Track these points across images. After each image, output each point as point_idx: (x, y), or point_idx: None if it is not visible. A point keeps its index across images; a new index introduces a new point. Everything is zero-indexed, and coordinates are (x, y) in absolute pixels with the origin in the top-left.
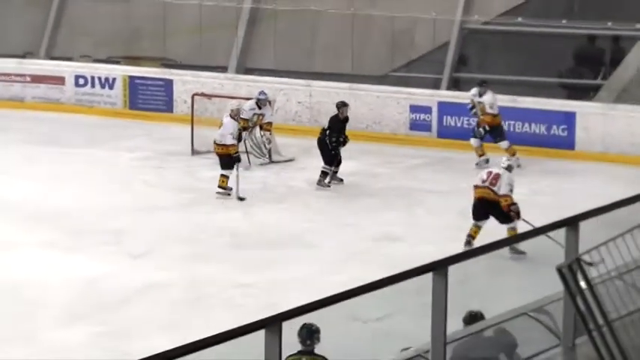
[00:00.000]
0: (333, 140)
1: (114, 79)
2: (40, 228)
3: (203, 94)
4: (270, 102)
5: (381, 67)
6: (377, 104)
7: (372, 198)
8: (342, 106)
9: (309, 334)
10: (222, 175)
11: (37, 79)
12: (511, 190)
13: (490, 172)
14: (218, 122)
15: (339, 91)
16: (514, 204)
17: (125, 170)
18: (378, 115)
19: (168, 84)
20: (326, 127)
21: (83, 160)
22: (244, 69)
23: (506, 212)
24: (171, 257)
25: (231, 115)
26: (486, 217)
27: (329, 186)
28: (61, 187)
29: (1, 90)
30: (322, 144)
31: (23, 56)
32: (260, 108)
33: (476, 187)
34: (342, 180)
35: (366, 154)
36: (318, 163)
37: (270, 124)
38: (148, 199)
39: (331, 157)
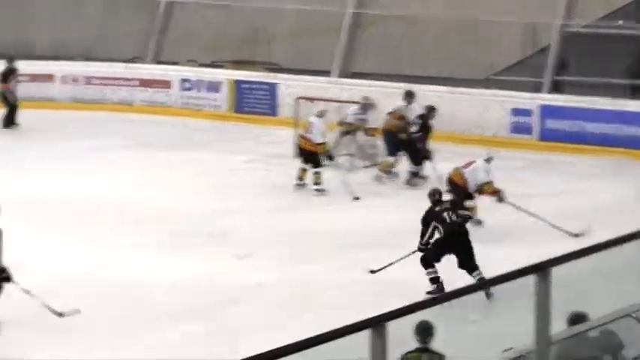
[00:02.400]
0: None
1: (219, 83)
2: (147, 230)
3: (307, 98)
4: (373, 106)
5: (482, 70)
6: (478, 107)
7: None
8: (431, 110)
9: (427, 330)
10: (316, 173)
11: (145, 83)
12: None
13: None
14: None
15: (441, 94)
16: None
17: (230, 173)
18: (480, 118)
19: (272, 88)
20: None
21: (189, 163)
22: (347, 73)
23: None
24: (276, 258)
25: (318, 115)
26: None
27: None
28: (168, 190)
29: (110, 94)
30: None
31: (131, 61)
32: (364, 113)
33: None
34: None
35: (467, 156)
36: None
37: (375, 129)
38: (253, 201)
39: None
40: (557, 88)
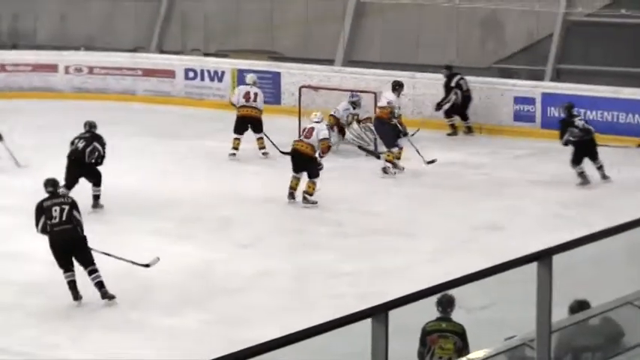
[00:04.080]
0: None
1: (223, 73)
2: (150, 217)
3: (310, 87)
4: (360, 103)
5: (484, 59)
6: (481, 96)
7: (476, 188)
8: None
9: (449, 302)
10: (260, 139)
11: (148, 72)
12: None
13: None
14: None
15: (443, 82)
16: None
17: (234, 161)
18: (483, 107)
19: (275, 76)
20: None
21: (193, 151)
22: (350, 61)
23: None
24: (278, 246)
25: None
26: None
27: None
28: (171, 178)
29: (113, 83)
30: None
31: (134, 50)
32: (354, 109)
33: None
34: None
35: (470, 144)
36: (422, 155)
37: (368, 118)
38: (256, 190)
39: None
40: (559, 76)
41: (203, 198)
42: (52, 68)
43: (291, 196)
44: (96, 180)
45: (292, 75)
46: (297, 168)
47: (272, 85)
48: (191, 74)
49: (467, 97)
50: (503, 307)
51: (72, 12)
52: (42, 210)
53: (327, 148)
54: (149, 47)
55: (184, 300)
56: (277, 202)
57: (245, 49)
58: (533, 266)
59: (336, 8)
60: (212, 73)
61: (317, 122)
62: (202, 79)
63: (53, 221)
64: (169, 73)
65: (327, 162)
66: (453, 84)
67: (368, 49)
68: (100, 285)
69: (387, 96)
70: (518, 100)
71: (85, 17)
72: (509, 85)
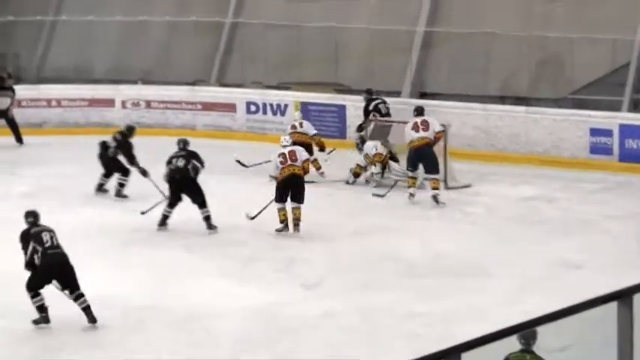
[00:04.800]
0: None
1: (286, 106)
2: (215, 256)
3: (377, 120)
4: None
5: (558, 89)
6: (555, 128)
7: (551, 224)
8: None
9: (532, 335)
10: (315, 160)
11: (208, 106)
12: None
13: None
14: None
15: (515, 114)
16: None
17: None
18: (557, 139)
19: (341, 109)
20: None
21: (256, 188)
22: (418, 93)
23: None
24: (346, 286)
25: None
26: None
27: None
28: (235, 216)
29: (172, 118)
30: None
31: (194, 84)
32: (362, 148)
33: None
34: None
35: (544, 178)
36: (495, 189)
37: (378, 154)
38: (320, 228)
39: None
40: (637, 106)
41: (267, 236)
42: (109, 103)
43: (297, 227)
44: (201, 200)
45: (358, 108)
46: (284, 196)
47: (337, 118)
48: (253, 108)
49: None
50: (583, 349)
51: (129, 45)
52: (29, 237)
53: (309, 168)
54: (209, 80)
55: (249, 341)
56: (343, 241)
57: (308, 82)
58: (614, 306)
59: (402, 39)
60: (274, 107)
61: (291, 145)
62: (264, 112)
63: (46, 245)
64: (230, 107)
65: (393, 199)
66: (371, 108)
67: (436, 80)
68: (87, 309)
69: (437, 121)
70: (594, 131)
71: (143, 50)
72: (584, 116)
